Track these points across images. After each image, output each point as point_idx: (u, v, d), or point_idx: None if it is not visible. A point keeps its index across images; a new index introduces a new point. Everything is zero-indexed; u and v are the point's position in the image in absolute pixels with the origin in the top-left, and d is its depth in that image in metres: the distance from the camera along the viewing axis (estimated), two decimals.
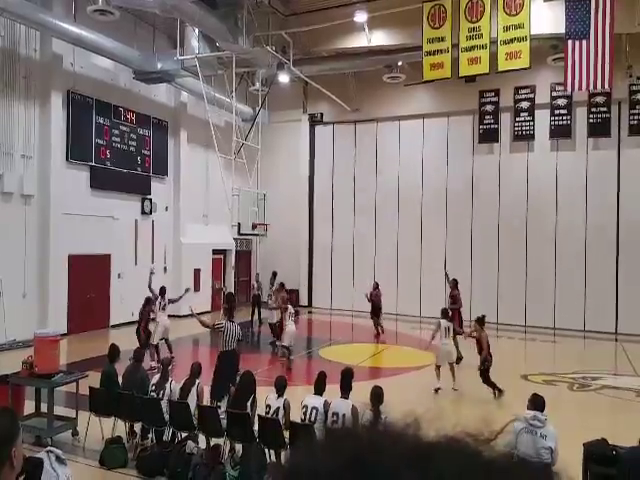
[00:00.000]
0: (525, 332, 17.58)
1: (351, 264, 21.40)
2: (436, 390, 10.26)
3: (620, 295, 17.43)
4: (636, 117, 17.02)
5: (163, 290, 12.53)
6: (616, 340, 16.46)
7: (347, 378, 6.61)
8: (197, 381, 7.23)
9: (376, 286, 16.66)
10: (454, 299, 13.59)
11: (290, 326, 12.23)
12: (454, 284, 13.89)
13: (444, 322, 10.79)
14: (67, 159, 15.01)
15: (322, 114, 21.83)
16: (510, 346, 16.04)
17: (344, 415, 6.30)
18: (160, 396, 7.15)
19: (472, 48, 12.70)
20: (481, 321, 10.27)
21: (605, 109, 17.37)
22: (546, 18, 13.46)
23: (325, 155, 22.16)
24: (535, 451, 5.09)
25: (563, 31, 12.41)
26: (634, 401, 10.21)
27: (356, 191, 21.48)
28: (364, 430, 0.61)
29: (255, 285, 18.18)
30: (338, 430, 0.65)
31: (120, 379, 7.67)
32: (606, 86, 12.56)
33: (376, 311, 16.25)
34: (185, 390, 7.12)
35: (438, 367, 10.46)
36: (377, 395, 6.29)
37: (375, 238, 21.06)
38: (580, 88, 12.51)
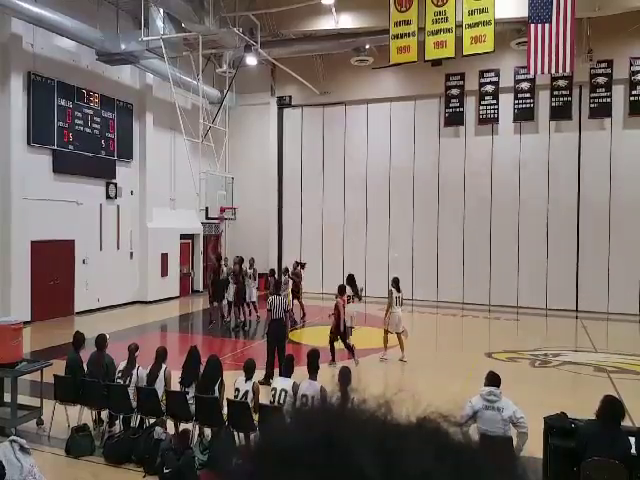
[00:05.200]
0: (489, 311, 17.99)
1: (320, 247, 21.47)
2: (382, 359, 11.17)
3: (580, 274, 17.96)
4: (596, 100, 17.41)
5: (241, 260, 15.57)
6: (577, 318, 16.99)
7: (314, 359, 6.69)
8: (164, 366, 7.18)
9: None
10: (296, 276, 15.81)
11: None
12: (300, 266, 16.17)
13: (395, 292, 11.44)
14: (28, 143, 14.59)
15: (290, 97, 21.66)
16: (475, 325, 16.43)
17: (313, 397, 6.38)
18: (127, 383, 7.11)
19: (438, 32, 12.74)
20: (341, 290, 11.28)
21: (567, 92, 17.71)
22: (510, 2, 13.59)
23: (294, 138, 22.05)
24: (494, 425, 5.34)
25: (526, 15, 12.57)
26: (592, 376, 10.59)
27: (325, 174, 21.48)
28: (335, 408, 0.60)
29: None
30: (308, 409, 0.64)
31: (86, 367, 7.58)
32: (567, 70, 12.81)
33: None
34: (152, 375, 7.09)
35: (386, 332, 11.29)
36: (345, 375, 6.39)
37: (344, 220, 21.15)
38: (542, 71, 12.73)
